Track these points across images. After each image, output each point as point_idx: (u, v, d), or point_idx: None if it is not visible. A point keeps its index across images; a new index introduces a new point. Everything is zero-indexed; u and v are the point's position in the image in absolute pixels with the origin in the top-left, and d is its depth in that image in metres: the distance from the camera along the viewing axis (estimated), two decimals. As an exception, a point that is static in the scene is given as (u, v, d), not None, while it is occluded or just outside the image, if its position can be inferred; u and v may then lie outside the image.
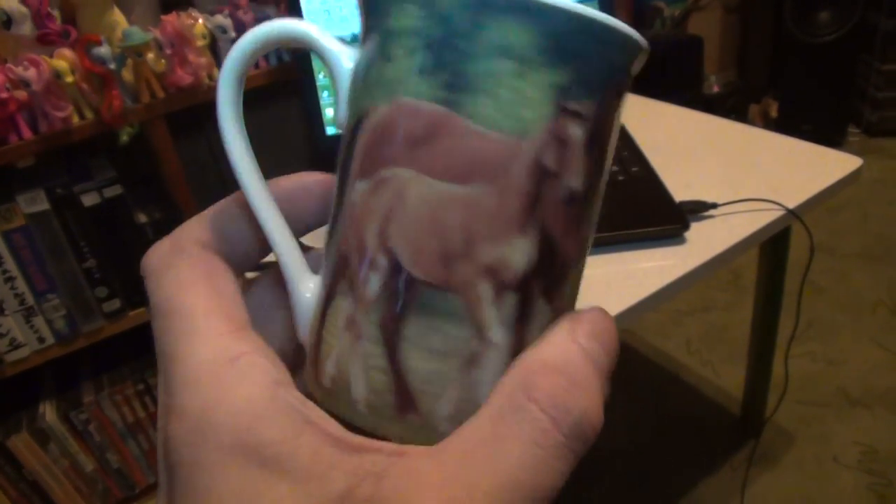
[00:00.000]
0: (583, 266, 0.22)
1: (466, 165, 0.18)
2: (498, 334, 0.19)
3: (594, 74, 0.19)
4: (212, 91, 1.18)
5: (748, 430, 1.43)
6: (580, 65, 0.18)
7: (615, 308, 0.74)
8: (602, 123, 0.19)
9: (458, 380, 0.19)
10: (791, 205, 0.88)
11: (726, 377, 1.58)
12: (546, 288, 0.20)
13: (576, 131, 0.19)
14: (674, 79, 2.46)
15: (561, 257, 0.20)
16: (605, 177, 0.21)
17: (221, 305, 0.19)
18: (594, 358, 0.19)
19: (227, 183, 1.31)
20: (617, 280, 0.78)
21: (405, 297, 0.19)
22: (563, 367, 0.18)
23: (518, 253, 0.19)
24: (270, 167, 0.23)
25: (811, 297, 1.75)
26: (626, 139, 1.03)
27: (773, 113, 2.50)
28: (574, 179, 0.19)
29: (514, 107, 0.18)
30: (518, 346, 0.20)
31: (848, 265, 1.88)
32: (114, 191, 1.18)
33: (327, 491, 0.16)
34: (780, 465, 1.36)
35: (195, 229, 0.21)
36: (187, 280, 0.19)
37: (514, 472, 0.17)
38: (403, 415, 0.20)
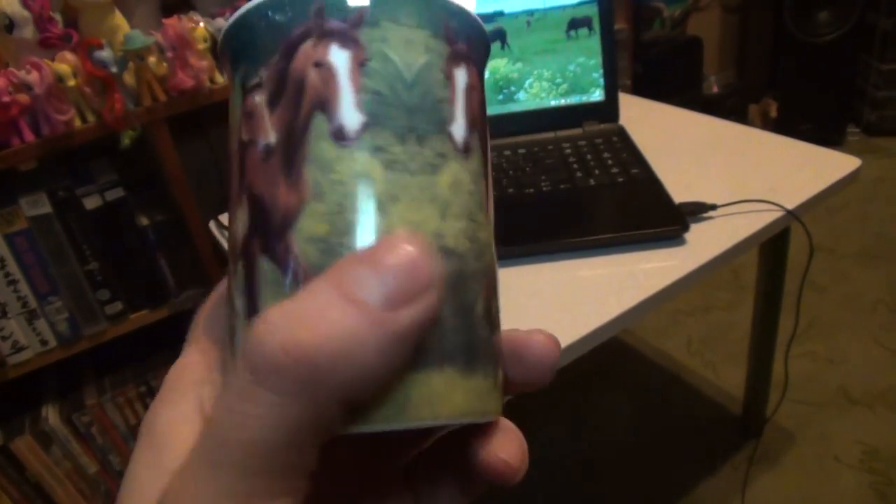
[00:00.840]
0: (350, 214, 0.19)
1: None
2: (238, 302, 0.20)
3: (251, 49, 0.21)
4: (213, 94, 1.19)
5: (749, 430, 1.43)
6: (241, 54, 0.21)
7: (615, 309, 0.74)
8: (284, 74, 0.20)
9: (233, 355, 0.21)
10: (790, 205, 0.88)
11: (727, 377, 1.59)
12: (264, 245, 0.19)
13: (256, 98, 0.20)
14: (673, 80, 2.47)
15: (271, 210, 0.19)
16: (318, 113, 0.20)
17: (203, 330, 0.23)
18: (341, 286, 0.16)
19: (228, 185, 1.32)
20: (617, 281, 0.79)
21: None
22: (287, 303, 0.16)
23: (240, 221, 0.20)
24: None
25: (811, 297, 1.75)
26: (625, 141, 1.03)
27: (773, 113, 2.51)
28: (265, 136, 0.20)
29: (233, 118, 0.22)
30: (251, 310, 0.19)
31: (848, 264, 1.89)
32: (115, 193, 1.18)
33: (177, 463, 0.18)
34: (781, 464, 1.37)
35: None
36: (197, 322, 0.24)
37: (215, 425, 0.16)
38: None
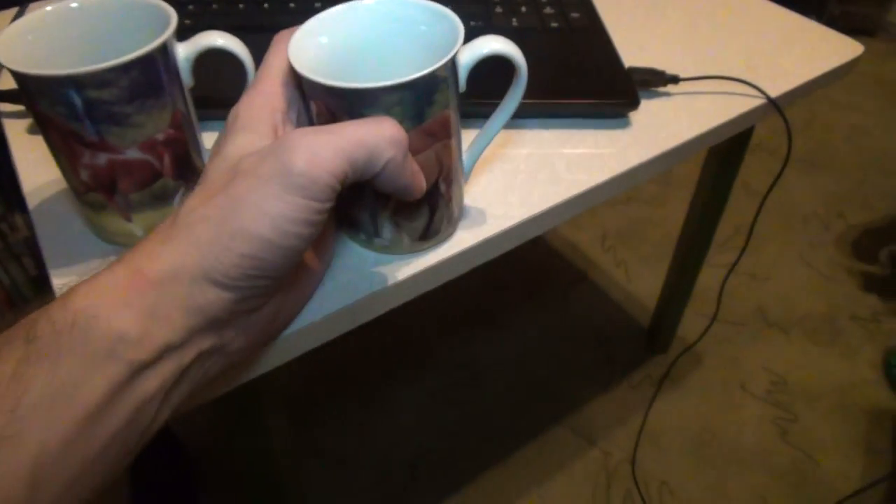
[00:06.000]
0: None
1: None
2: None
3: None
4: None
5: (655, 345, 1.27)
6: None
7: (519, 213, 0.50)
8: None
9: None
10: (773, 92, 0.65)
11: (638, 281, 1.41)
12: None
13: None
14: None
15: None
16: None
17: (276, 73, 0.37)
18: (390, 125, 0.34)
19: None
20: (527, 170, 0.54)
21: None
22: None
23: None
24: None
25: (742, 200, 1.57)
26: (569, -27, 0.76)
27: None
28: None
29: None
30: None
31: (787, 170, 1.70)
32: None
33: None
34: (684, 386, 1.22)
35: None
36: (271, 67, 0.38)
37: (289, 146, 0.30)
38: None
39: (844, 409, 1.19)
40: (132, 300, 0.27)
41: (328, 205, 0.31)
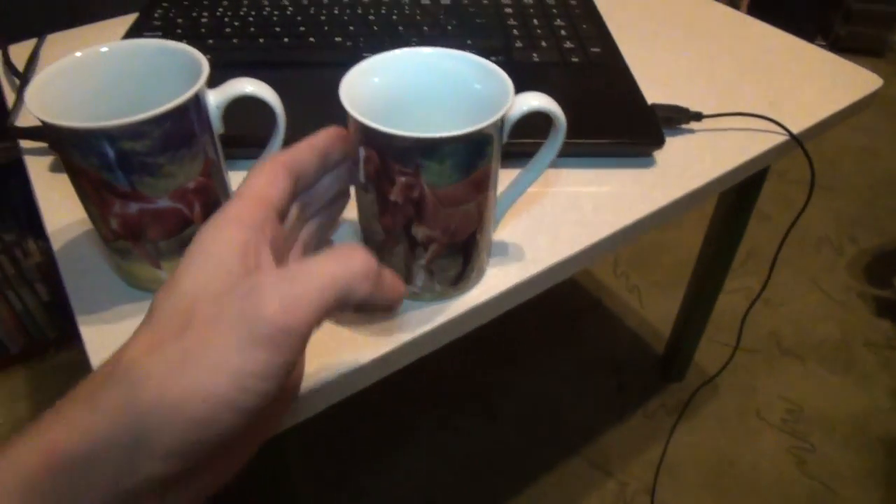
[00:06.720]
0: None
1: None
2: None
3: None
4: None
5: (670, 373, 1.26)
6: None
7: (547, 257, 0.49)
8: None
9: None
10: (794, 128, 0.65)
11: (652, 307, 1.40)
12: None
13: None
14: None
15: None
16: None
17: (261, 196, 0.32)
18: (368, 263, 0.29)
19: None
20: (552, 212, 0.54)
21: None
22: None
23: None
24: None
25: (754, 225, 1.57)
26: (586, 5, 0.76)
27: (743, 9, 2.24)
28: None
29: None
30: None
31: (797, 193, 1.70)
32: None
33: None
34: (700, 415, 1.21)
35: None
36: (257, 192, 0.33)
37: (264, 288, 0.27)
38: None
39: (861, 439, 1.18)
40: (42, 488, 0.23)
41: (296, 357, 0.26)
